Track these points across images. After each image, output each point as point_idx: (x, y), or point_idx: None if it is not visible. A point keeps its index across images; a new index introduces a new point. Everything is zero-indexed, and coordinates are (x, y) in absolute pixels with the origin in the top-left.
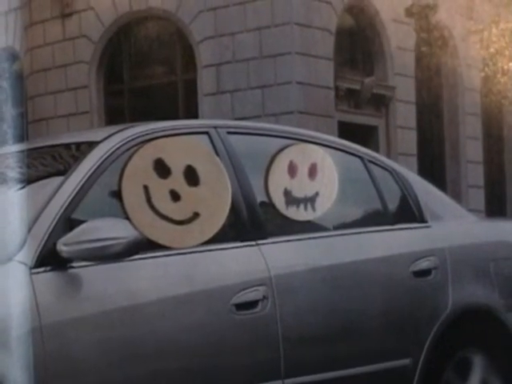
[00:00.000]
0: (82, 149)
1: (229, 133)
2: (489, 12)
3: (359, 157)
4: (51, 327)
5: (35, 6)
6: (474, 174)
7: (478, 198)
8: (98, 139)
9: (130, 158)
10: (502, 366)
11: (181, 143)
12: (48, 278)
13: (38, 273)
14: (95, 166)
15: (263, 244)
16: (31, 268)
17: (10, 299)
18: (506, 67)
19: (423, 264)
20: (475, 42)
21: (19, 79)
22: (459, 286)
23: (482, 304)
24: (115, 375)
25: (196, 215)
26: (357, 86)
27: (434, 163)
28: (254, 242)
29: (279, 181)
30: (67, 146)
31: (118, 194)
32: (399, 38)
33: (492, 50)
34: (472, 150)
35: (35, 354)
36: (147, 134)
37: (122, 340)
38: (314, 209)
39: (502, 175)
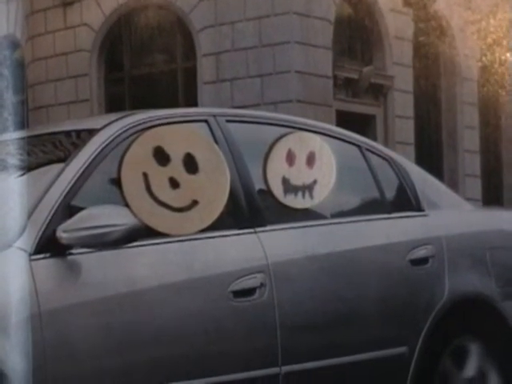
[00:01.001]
0: (82, 136)
1: (228, 121)
2: (487, 2)
3: (357, 145)
4: (50, 313)
5: None
6: (470, 163)
7: (475, 187)
8: (98, 127)
9: (130, 145)
10: (498, 354)
11: (180, 131)
12: (47, 265)
13: (38, 259)
14: (95, 154)
15: (261, 231)
16: (31, 254)
17: (10, 285)
18: (503, 57)
19: (420, 252)
20: (473, 33)
21: (20, 67)
22: (456, 275)
23: (479, 292)
24: (114, 361)
25: (195, 203)
26: (355, 76)
27: (432, 152)
28: (252, 230)
29: (277, 169)
30: (67, 133)
31: (117, 182)
32: (397, 28)
33: (489, 40)
34: (469, 139)
35: (34, 340)
36: (147, 122)
37: (120, 326)
38: (311, 197)
39: (498, 164)
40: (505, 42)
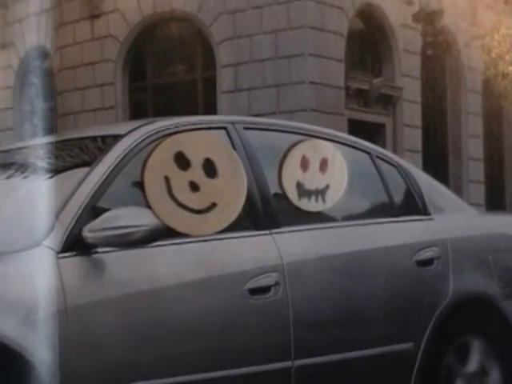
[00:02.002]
0: (107, 141)
1: (245, 128)
2: (491, 19)
3: (367, 152)
4: (76, 309)
5: (66, 8)
6: (474, 170)
7: (479, 192)
8: (123, 133)
9: (153, 150)
10: (500, 351)
11: (200, 137)
12: (73, 263)
13: (65, 257)
14: (119, 158)
15: (276, 233)
16: (58, 252)
17: (38, 282)
18: (505, 71)
19: (426, 254)
20: (477, 47)
21: (49, 76)
22: (460, 276)
23: (481, 292)
24: (135, 355)
25: (213, 205)
26: (366, 86)
27: (438, 159)
28: (267, 231)
29: (292, 174)
30: (93, 138)
31: (140, 185)
32: (406, 42)
33: (493, 54)
34: (473, 147)
35: (60, 334)
36: (169, 129)
37: (141, 322)
38: (324, 200)
39: (501, 171)
40: (508, 57)
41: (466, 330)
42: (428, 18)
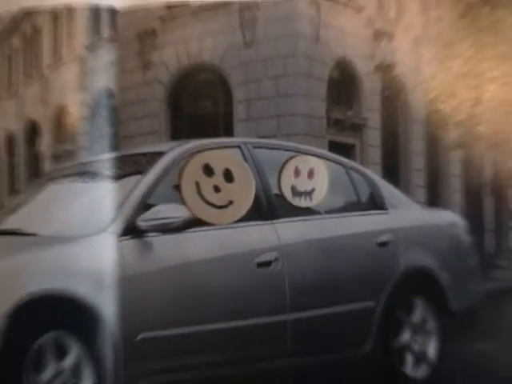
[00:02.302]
0: (155, 156)
1: (254, 147)
2: (430, 68)
3: (342, 165)
4: (131, 277)
5: (125, 61)
6: (418, 178)
7: (421, 194)
8: (165, 150)
9: (187, 163)
10: (436, 306)
11: (221, 153)
12: (130, 244)
13: (124, 240)
14: (163, 168)
15: (276, 222)
16: (119, 236)
17: (105, 258)
18: (438, 108)
19: (383, 238)
20: (419, 91)
21: (114, 110)
22: (408, 254)
23: (423, 266)
24: (173, 309)
25: (230, 202)
26: (341, 117)
27: (392, 170)
28: (269, 221)
29: (287, 180)
30: (144, 154)
31: (178, 187)
32: (370, 86)
33: (430, 95)
34: (417, 162)
35: (120, 294)
36: (198, 147)
37: (179, 286)
38: (311, 199)
39: (437, 179)
40: (441, 97)
41: (411, 292)
42: (385, 69)
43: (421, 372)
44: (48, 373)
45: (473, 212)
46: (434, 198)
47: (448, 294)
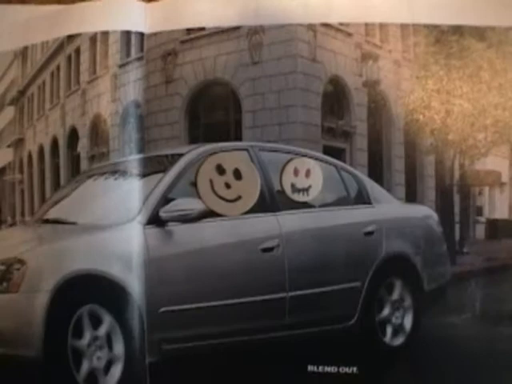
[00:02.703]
0: (175, 157)
1: (260, 150)
2: (409, 86)
3: (334, 165)
4: (155, 259)
5: (151, 77)
6: (398, 177)
7: (401, 191)
8: (184, 152)
9: (202, 163)
10: (412, 286)
11: (231, 155)
12: (154, 231)
13: (148, 228)
14: (182, 167)
15: (278, 214)
16: (144, 225)
17: (133, 242)
18: (416, 118)
19: (369, 228)
20: (400, 104)
21: (141, 118)
22: (389, 241)
23: (402, 252)
24: (190, 287)
25: (239, 197)
26: (334, 125)
27: (376, 171)
28: (272, 213)
29: (288, 178)
30: (166, 155)
31: (194, 184)
32: (358, 99)
33: (410, 107)
34: (398, 164)
35: (146, 274)
36: (212, 150)
37: (195, 267)
38: (308, 195)
39: (414, 178)
40: (419, 108)
41: (391, 274)
42: (371, 85)
43: (398, 341)
44: (86, 339)
45: (444, 207)
46: (412, 195)
47: (422, 276)
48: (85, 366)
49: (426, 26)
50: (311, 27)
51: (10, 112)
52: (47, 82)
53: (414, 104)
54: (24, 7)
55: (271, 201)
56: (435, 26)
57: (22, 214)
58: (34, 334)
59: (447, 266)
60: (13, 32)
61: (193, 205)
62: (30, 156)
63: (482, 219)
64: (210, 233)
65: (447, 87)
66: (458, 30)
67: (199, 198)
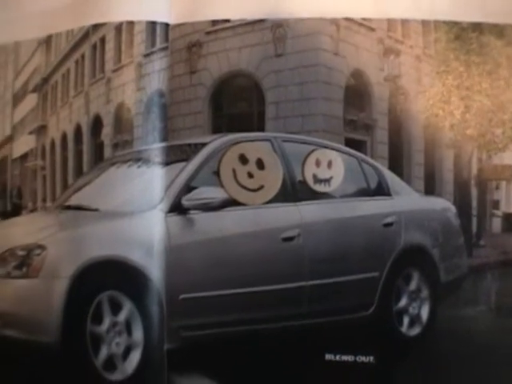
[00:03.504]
0: (198, 146)
1: (282, 141)
2: (430, 81)
3: (355, 157)
4: (176, 246)
5: (175, 68)
6: (418, 170)
7: (420, 184)
8: (207, 141)
9: (225, 152)
10: (429, 277)
11: (254, 145)
12: (175, 219)
13: (170, 216)
14: (205, 156)
15: (299, 204)
16: (166, 213)
17: (154, 229)
18: (436, 112)
19: (388, 219)
20: (420, 98)
21: (164, 108)
22: (408, 233)
23: (420, 243)
24: (210, 274)
25: (262, 186)
26: (355, 118)
27: (397, 163)
28: (294, 203)
29: (310, 169)
30: (189, 144)
31: (217, 173)
32: (380, 93)
33: (430, 101)
34: (417, 156)
35: (166, 260)
36: (235, 139)
37: (216, 255)
38: (329, 186)
39: (433, 172)
40: (439, 103)
41: (409, 265)
42: (392, 80)
43: (414, 331)
44: (105, 325)
45: (461, 200)
46: (430, 188)
47: (439, 267)
48: (103, 352)
49: (447, 23)
50: (334, 21)
51: (32, 99)
52: (71, 70)
53: (433, 99)
54: None
55: (293, 191)
56: (455, 23)
57: (44, 200)
58: (52, 319)
59: (464, 259)
60: (36, 21)
61: (215, 193)
62: (52, 143)
63: (499, 213)
64: (231, 221)
65: (466, 83)
66: (477, 27)
67: (221, 186)
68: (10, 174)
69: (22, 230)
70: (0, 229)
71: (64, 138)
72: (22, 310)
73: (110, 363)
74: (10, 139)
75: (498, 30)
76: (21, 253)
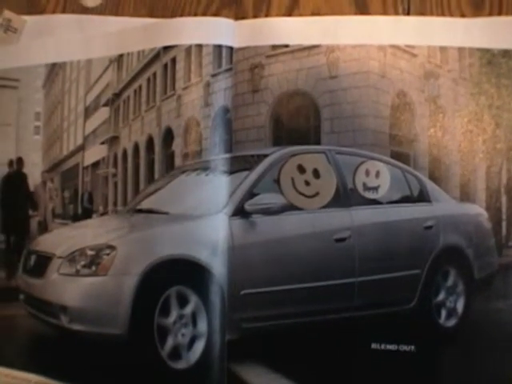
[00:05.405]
0: (260, 157)
1: (336, 153)
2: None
3: (400, 168)
4: (238, 246)
5: (238, 87)
6: (454, 180)
7: (456, 192)
8: (268, 153)
9: (285, 163)
10: (464, 274)
11: (311, 157)
12: (239, 222)
13: (234, 219)
14: (266, 166)
15: (350, 209)
16: (230, 216)
17: (219, 231)
18: (470, 129)
19: (428, 223)
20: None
21: (230, 122)
22: (445, 235)
23: (456, 244)
24: (269, 273)
25: (317, 193)
26: (400, 133)
27: (436, 174)
28: (345, 208)
29: (360, 178)
30: (252, 155)
31: (277, 181)
32: (421, 110)
33: (464, 120)
34: (454, 167)
35: (229, 260)
36: (294, 151)
37: (275, 254)
38: (377, 193)
39: (468, 181)
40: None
41: (447, 263)
42: (432, 99)
43: (451, 322)
44: (172, 317)
45: (493, 206)
46: (465, 195)
47: (473, 265)
48: (169, 343)
49: (480, 50)
50: (381, 48)
51: (104, 112)
52: (143, 87)
53: (468, 117)
54: (118, 18)
55: (345, 197)
56: (487, 50)
57: (115, 204)
58: (120, 313)
59: (495, 257)
60: (107, 41)
61: (275, 199)
62: (124, 152)
63: None
64: (289, 224)
65: (497, 103)
66: (507, 54)
67: (281, 193)
68: (81, 181)
69: (92, 232)
70: (70, 230)
71: (136, 147)
72: (89, 305)
73: (176, 353)
74: (81, 148)
75: None
76: (90, 252)
